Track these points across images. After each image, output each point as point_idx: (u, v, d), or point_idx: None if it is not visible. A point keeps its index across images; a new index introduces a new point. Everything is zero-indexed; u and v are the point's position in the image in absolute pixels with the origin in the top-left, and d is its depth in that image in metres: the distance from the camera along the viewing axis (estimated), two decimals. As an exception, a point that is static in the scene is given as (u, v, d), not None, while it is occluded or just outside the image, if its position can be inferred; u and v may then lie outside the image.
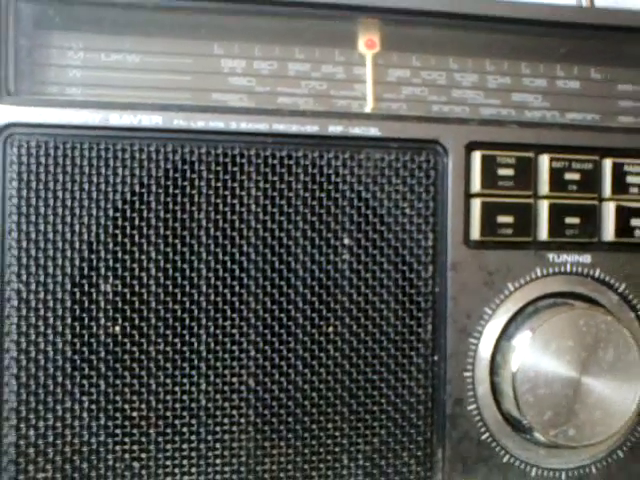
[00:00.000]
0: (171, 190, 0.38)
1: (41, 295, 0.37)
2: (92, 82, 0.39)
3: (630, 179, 0.43)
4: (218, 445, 0.38)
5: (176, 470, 0.38)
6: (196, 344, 0.38)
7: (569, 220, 0.42)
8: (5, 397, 0.36)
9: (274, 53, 0.41)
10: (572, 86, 0.44)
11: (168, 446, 0.38)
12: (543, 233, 0.42)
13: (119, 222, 0.37)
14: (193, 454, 0.38)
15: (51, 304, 0.37)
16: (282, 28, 0.41)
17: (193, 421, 0.38)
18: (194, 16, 0.40)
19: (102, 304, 0.37)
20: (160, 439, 0.38)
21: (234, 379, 0.38)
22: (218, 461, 0.38)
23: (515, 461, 0.41)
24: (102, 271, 0.37)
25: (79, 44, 0.39)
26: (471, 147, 0.41)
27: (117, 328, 0.37)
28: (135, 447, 0.37)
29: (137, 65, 0.40)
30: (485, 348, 0.41)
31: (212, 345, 0.38)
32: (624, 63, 0.45)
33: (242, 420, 0.38)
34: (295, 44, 0.41)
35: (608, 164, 0.43)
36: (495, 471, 0.41)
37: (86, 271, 0.37)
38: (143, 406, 0.37)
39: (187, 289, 0.38)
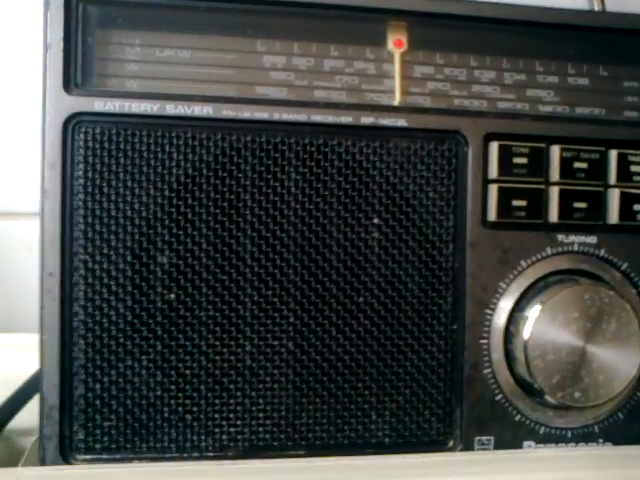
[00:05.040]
0: (220, 173, 0.41)
1: (105, 265, 0.40)
2: (148, 75, 0.41)
3: (633, 168, 0.45)
4: (261, 401, 0.42)
5: (223, 422, 0.41)
6: (242, 310, 0.41)
7: (577, 204, 0.44)
8: (75, 355, 0.40)
9: (311, 50, 0.43)
10: (582, 83, 0.46)
11: (217, 401, 0.41)
12: (553, 216, 0.44)
13: (174, 201, 0.41)
14: (239, 408, 0.41)
15: (114, 273, 0.40)
16: (319, 28, 0.43)
17: (239, 379, 0.41)
18: (240, 17, 0.43)
19: (159, 274, 0.41)
20: (210, 394, 0.41)
21: (275, 342, 0.41)
22: (261, 415, 0.42)
23: (525, 420, 0.44)
24: (159, 245, 0.41)
25: (136, 40, 0.41)
26: (489, 138, 0.43)
27: (172, 295, 0.41)
28: (188, 401, 0.41)
29: (188, 60, 0.42)
30: (500, 319, 0.43)
31: (256, 311, 0.41)
32: (630, 62, 0.46)
33: (282, 379, 0.42)
34: (330, 42, 0.43)
35: (613, 154, 0.45)
36: (507, 429, 0.44)
37: (145, 244, 0.41)
38: (195, 365, 0.41)
39: (234, 261, 0.41)
